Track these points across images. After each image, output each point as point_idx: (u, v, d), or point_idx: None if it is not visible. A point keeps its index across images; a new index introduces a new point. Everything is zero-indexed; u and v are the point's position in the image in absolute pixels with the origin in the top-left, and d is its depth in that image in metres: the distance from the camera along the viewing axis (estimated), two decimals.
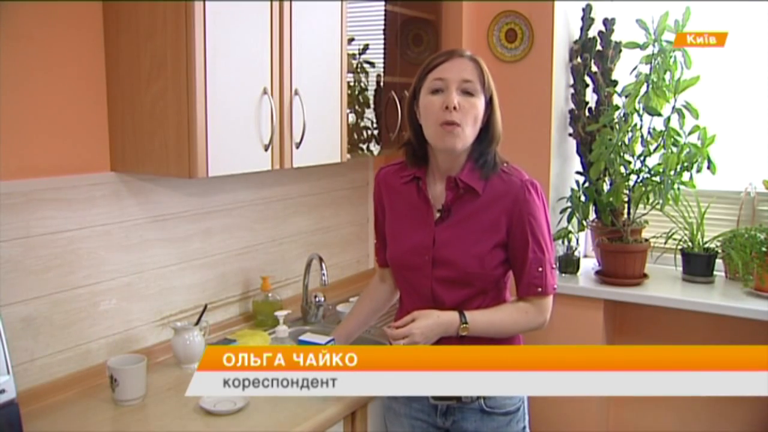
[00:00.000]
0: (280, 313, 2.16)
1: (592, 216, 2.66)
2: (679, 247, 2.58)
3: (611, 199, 2.52)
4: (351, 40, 2.24)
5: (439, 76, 1.56)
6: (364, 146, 2.40)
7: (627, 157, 2.49)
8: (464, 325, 1.57)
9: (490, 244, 1.59)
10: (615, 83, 2.62)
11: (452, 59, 1.57)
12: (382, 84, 2.45)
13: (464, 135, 1.55)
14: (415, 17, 2.60)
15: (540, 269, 1.61)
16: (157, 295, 1.99)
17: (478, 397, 1.64)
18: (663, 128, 2.43)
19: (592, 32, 2.62)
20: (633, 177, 2.51)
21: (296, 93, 1.94)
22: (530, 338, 1.75)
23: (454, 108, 1.52)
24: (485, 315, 1.61)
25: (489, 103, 1.59)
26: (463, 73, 1.55)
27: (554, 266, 1.66)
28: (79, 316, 1.79)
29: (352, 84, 2.32)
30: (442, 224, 1.62)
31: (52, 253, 1.71)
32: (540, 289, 1.62)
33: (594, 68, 2.63)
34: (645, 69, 2.42)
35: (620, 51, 2.61)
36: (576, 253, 2.67)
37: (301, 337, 1.79)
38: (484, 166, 1.60)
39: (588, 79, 2.64)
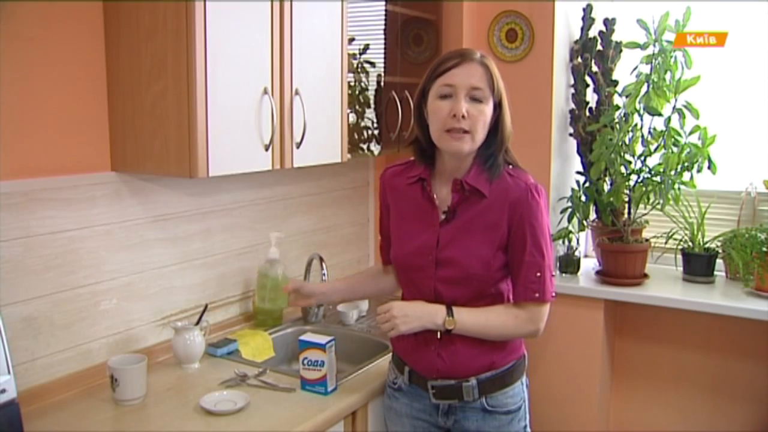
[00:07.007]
0: None
1: (592, 216, 2.66)
2: (680, 247, 2.57)
3: (612, 199, 2.52)
4: (351, 39, 2.23)
5: (448, 82, 1.55)
6: (365, 146, 2.40)
7: (627, 157, 2.49)
8: (450, 318, 1.57)
9: (493, 245, 1.59)
10: (615, 83, 2.61)
11: (462, 64, 1.56)
12: (382, 84, 2.45)
13: (471, 141, 1.56)
14: (416, 17, 2.60)
15: (538, 274, 1.59)
16: (158, 294, 1.99)
17: (480, 396, 1.64)
18: (663, 128, 2.43)
19: (593, 32, 2.62)
20: (633, 177, 2.50)
21: (297, 93, 1.94)
22: (529, 339, 1.75)
23: (463, 116, 1.53)
24: (473, 312, 1.60)
25: (498, 105, 1.59)
26: (472, 79, 1.54)
27: (553, 273, 1.64)
28: (80, 316, 1.79)
29: (352, 84, 2.31)
30: (446, 225, 1.62)
31: (53, 252, 1.71)
32: (537, 295, 1.59)
33: (594, 68, 2.63)
34: (645, 69, 2.42)
35: (621, 51, 2.61)
36: (576, 253, 2.67)
37: (302, 337, 1.79)
38: (491, 168, 1.60)
39: (588, 79, 2.64)
